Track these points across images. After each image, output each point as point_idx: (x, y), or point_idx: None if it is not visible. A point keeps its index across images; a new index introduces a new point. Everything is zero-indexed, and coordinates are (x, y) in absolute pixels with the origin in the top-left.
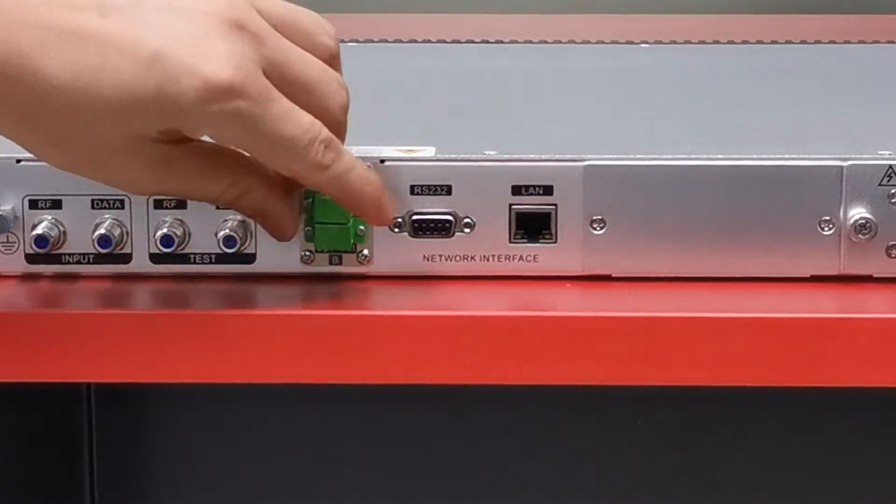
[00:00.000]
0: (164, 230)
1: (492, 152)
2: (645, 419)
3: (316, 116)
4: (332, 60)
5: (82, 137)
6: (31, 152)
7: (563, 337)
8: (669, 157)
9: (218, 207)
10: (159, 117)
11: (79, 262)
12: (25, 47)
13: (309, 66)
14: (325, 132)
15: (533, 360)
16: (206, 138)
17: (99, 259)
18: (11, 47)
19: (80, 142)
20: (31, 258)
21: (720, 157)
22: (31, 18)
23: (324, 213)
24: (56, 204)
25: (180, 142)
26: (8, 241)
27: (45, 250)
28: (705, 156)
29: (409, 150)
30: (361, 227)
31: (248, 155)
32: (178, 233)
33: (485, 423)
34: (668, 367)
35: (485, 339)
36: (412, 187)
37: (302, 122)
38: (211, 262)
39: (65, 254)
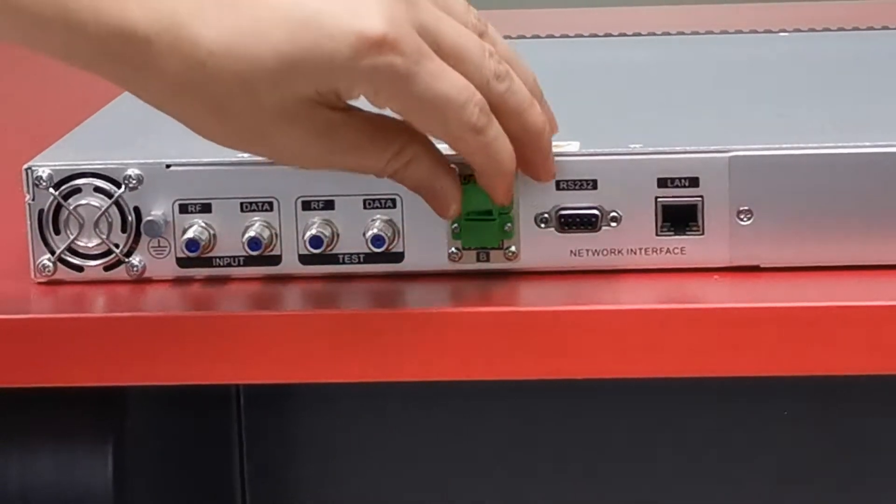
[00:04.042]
0: (313, 231)
1: (636, 145)
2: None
3: None
4: (483, 38)
5: (242, 105)
6: (189, 126)
7: (712, 329)
8: (815, 145)
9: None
10: (316, 76)
11: (229, 265)
12: (181, 16)
13: (461, 35)
14: (479, 95)
15: (683, 352)
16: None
17: (249, 261)
18: (166, 17)
19: (241, 110)
20: (182, 262)
21: (866, 144)
22: None
23: (471, 210)
24: (206, 208)
25: (341, 109)
26: (159, 246)
27: (196, 254)
28: (851, 143)
29: (555, 146)
30: (509, 224)
31: (410, 125)
32: (327, 233)
33: (633, 416)
34: (820, 357)
35: (634, 332)
36: (558, 182)
37: (456, 82)
38: (359, 262)
39: (215, 257)
